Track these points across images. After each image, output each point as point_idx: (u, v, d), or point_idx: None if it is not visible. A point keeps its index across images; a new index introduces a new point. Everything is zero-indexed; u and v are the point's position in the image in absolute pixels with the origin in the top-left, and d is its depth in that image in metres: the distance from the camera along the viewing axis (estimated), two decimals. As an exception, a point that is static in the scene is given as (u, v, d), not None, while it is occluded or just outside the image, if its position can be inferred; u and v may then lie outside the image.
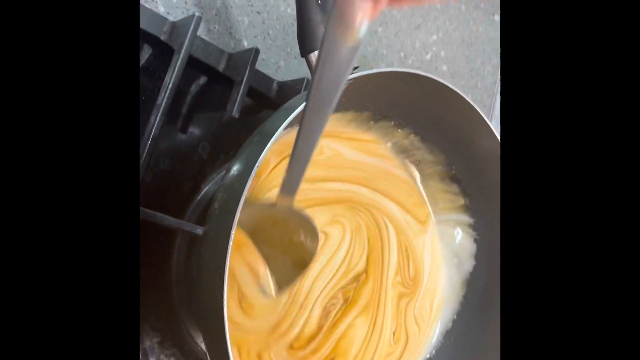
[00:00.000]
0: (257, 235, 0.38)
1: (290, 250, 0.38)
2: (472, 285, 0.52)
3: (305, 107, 0.27)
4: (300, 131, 0.28)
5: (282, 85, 0.50)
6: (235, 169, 0.36)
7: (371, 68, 0.60)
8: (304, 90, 0.48)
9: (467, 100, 0.44)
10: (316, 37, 0.37)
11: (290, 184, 0.32)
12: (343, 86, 0.26)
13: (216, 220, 0.35)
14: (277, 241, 0.39)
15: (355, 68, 0.40)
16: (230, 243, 0.32)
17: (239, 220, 0.32)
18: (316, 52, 0.38)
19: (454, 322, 0.52)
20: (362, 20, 0.24)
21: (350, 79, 0.38)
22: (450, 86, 0.43)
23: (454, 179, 0.51)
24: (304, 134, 0.28)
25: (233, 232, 0.32)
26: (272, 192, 0.42)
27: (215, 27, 0.50)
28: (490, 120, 0.73)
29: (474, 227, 0.52)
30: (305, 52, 0.38)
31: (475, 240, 0.52)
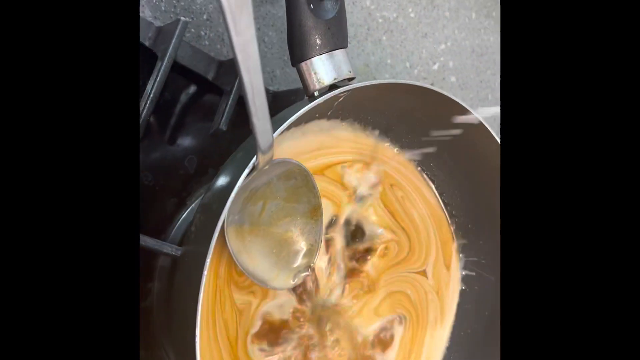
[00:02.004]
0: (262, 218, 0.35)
1: (293, 201, 0.35)
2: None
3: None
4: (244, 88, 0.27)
5: (276, 95, 0.47)
6: (215, 187, 0.33)
7: (374, 79, 0.57)
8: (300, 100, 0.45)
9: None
10: (308, 45, 0.34)
11: (264, 139, 0.29)
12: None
13: (193, 244, 0.32)
14: (279, 211, 0.35)
15: (351, 79, 0.36)
16: (205, 272, 0.29)
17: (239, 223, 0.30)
18: (307, 61, 0.34)
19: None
20: None
21: (349, 90, 0.35)
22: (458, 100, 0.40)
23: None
24: (249, 88, 0.27)
25: (209, 260, 0.29)
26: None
27: (206, 33, 0.47)
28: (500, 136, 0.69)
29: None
30: (296, 60, 0.35)
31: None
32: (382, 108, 0.41)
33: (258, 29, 0.50)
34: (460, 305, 0.50)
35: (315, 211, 0.36)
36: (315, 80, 0.34)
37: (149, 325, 0.43)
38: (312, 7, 0.33)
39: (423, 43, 0.62)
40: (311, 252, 0.36)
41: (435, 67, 0.63)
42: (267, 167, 0.31)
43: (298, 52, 0.34)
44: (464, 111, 0.41)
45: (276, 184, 0.33)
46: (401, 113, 0.42)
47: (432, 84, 0.62)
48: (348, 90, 0.35)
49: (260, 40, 0.50)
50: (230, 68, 0.44)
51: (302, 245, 0.36)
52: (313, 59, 0.34)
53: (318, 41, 0.34)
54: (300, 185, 0.34)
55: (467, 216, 0.48)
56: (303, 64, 0.34)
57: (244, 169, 0.31)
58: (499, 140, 0.43)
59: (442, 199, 0.49)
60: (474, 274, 0.50)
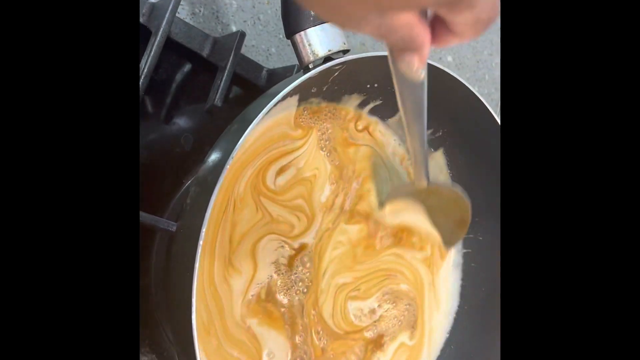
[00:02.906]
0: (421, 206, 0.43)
1: (448, 213, 0.43)
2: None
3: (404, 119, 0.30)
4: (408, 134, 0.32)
5: (272, 73, 0.47)
6: (210, 160, 0.33)
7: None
8: (296, 72, 0.44)
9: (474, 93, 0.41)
10: (301, 17, 0.34)
11: (419, 172, 0.37)
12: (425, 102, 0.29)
13: (188, 216, 0.32)
14: (435, 209, 0.43)
15: (346, 51, 0.36)
16: (201, 242, 0.29)
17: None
18: (302, 33, 0.34)
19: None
20: (417, 69, 0.25)
21: (344, 63, 0.35)
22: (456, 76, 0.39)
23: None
24: (411, 137, 0.32)
25: (204, 230, 0.29)
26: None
27: (200, 10, 0.46)
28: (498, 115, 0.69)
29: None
30: (290, 33, 0.34)
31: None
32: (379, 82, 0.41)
33: (253, 7, 0.49)
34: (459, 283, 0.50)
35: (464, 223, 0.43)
36: (309, 51, 0.34)
37: (147, 303, 0.43)
38: (305, -22, 0.33)
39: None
40: None
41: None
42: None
43: (292, 24, 0.34)
44: (460, 85, 0.41)
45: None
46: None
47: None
48: (343, 63, 0.35)
49: (255, 19, 0.49)
50: (224, 44, 0.43)
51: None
52: (307, 30, 0.34)
53: (312, 12, 0.34)
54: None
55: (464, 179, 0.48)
56: (297, 36, 0.34)
57: (237, 142, 0.31)
58: (498, 119, 0.43)
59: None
60: (470, 250, 0.50)
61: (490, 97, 0.69)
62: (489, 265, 0.48)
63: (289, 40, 0.36)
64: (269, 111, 0.31)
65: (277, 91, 0.33)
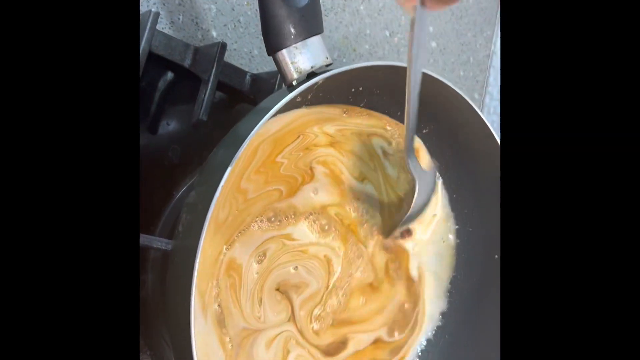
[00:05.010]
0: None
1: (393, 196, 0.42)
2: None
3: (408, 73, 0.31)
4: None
5: (256, 78, 0.46)
6: (199, 186, 0.33)
7: (354, 51, 0.57)
8: (278, 85, 0.44)
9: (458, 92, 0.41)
10: (282, 34, 0.33)
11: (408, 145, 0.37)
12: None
13: (181, 246, 0.32)
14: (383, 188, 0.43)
15: (329, 65, 0.36)
16: (195, 274, 0.29)
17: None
18: (284, 51, 0.34)
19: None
20: None
21: (327, 77, 0.35)
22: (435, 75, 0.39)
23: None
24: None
25: (197, 261, 0.29)
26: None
27: (179, 18, 0.46)
28: (484, 98, 0.69)
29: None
30: (271, 50, 0.34)
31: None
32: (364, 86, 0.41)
33: (232, 10, 0.49)
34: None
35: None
36: (292, 69, 0.34)
37: (146, 315, 0.44)
38: (284, -5, 0.33)
39: (401, 9, 0.61)
40: None
41: (415, 33, 0.62)
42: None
43: (273, 42, 0.34)
44: (443, 86, 0.41)
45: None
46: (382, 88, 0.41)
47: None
48: (328, 78, 0.34)
49: (236, 21, 0.49)
50: (205, 55, 0.43)
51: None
52: (289, 48, 0.34)
53: (292, 30, 0.33)
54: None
55: (451, 173, 0.49)
56: (279, 54, 0.34)
57: (226, 168, 0.31)
58: (481, 114, 0.43)
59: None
60: (458, 227, 0.51)
61: (475, 79, 0.69)
62: (479, 257, 0.49)
63: (267, 55, 0.36)
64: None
65: (264, 108, 0.33)
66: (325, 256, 0.41)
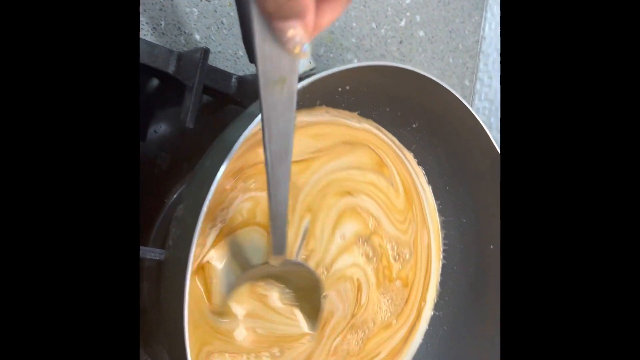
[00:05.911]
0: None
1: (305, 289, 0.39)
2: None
3: (266, 163, 0.26)
4: (270, 193, 0.28)
5: (242, 80, 0.46)
6: (187, 200, 0.33)
7: (341, 45, 0.56)
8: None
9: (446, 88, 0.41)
10: (263, 41, 0.33)
11: (279, 244, 0.32)
12: (294, 126, 0.24)
13: (171, 261, 0.32)
14: (294, 284, 0.39)
15: (312, 69, 0.36)
16: (186, 292, 0.29)
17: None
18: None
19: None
20: (300, 40, 0.21)
21: (311, 82, 0.34)
22: (418, 71, 0.39)
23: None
24: (273, 194, 0.28)
25: (188, 279, 0.29)
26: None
27: (161, 24, 0.45)
28: (474, 84, 0.69)
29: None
30: (253, 57, 0.34)
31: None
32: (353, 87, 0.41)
33: (215, 11, 0.48)
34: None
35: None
36: (275, 77, 0.34)
37: (144, 324, 0.44)
38: (263, 2, 0.32)
39: (387, 0, 0.60)
40: None
41: (402, 23, 0.62)
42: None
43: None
44: (430, 81, 0.41)
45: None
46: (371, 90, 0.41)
47: (400, 42, 0.61)
48: (312, 83, 0.34)
49: (219, 23, 0.48)
50: (189, 60, 0.43)
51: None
52: (271, 55, 0.33)
53: (273, 37, 0.33)
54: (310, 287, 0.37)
55: (444, 165, 0.49)
56: (261, 61, 0.34)
57: (212, 180, 0.31)
58: (471, 109, 0.43)
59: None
60: (451, 219, 0.51)
61: (465, 66, 0.68)
62: (475, 248, 0.50)
63: (249, 62, 0.35)
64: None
65: (251, 114, 0.33)
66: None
